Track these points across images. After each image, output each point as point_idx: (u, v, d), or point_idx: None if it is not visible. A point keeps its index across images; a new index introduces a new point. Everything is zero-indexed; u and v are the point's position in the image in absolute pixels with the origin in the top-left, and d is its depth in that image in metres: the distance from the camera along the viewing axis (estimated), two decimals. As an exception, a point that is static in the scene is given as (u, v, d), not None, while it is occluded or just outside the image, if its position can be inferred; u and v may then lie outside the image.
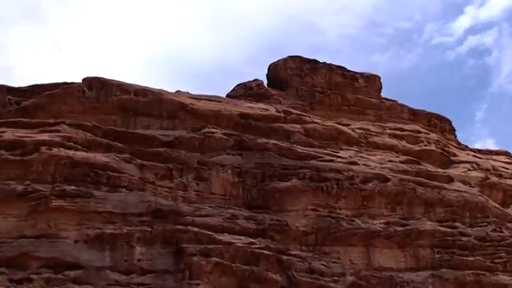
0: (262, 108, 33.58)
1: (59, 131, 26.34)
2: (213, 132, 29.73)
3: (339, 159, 31.49)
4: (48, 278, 22.13)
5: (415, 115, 40.15)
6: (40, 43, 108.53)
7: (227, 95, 37.94)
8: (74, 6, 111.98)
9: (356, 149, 33.70)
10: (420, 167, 33.76)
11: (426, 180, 32.11)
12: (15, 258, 22.37)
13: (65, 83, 29.94)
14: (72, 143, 25.92)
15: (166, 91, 32.12)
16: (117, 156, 26.21)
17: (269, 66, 39.97)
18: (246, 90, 37.88)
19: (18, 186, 23.75)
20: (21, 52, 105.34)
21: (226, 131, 30.32)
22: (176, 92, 33.73)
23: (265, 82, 39.26)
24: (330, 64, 39.28)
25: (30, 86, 30.28)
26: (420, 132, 38.19)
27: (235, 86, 39.15)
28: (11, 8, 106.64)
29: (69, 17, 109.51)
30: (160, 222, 24.90)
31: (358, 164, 31.50)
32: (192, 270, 23.66)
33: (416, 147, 36.47)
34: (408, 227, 29.36)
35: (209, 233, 25.28)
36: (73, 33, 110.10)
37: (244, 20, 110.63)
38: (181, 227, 24.92)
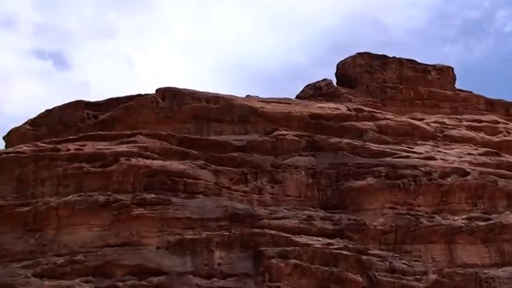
0: (333, 108, 33.35)
1: (136, 141, 27.14)
2: (284, 135, 29.78)
3: (415, 155, 30.82)
4: (133, 284, 22.80)
5: (492, 105, 38.69)
6: (113, 58, 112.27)
7: (296, 97, 37.89)
8: (144, 20, 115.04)
9: (432, 144, 32.88)
10: (501, 158, 32.56)
11: (508, 172, 30.95)
12: (100, 266, 23.20)
13: (139, 95, 30.84)
14: (149, 153, 26.64)
15: (236, 96, 32.48)
16: (192, 163, 26.72)
17: (337, 64, 39.63)
18: (315, 91, 37.69)
19: (101, 196, 24.63)
20: (96, 68, 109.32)
21: (298, 133, 30.29)
22: (246, 96, 34.02)
23: (334, 81, 38.93)
24: (399, 58, 38.48)
25: (106, 100, 31.36)
26: (498, 122, 36.78)
27: (304, 87, 39.04)
28: (83, 25, 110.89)
29: (140, 32, 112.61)
30: (237, 226, 25.19)
31: (436, 159, 30.74)
32: (272, 273, 23.78)
33: (495, 139, 35.16)
34: (491, 222, 28.38)
35: (286, 235, 25.33)
36: (144, 47, 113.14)
37: (309, 21, 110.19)
38: (258, 230, 25.10)
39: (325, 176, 28.28)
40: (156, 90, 31.05)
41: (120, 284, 22.68)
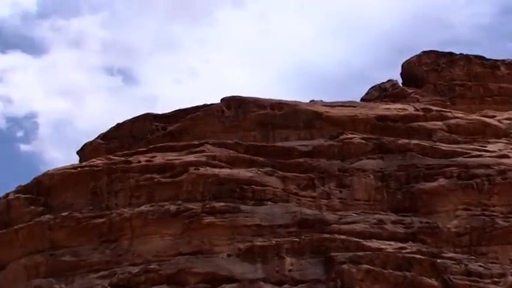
0: (400, 108, 32.74)
1: (203, 151, 27.60)
2: (351, 138, 29.48)
3: (488, 154, 29.78)
4: (206, 292, 23.15)
5: None
6: (178, 71, 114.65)
7: (361, 99, 37.51)
8: (206, 31, 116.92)
9: (505, 141, 31.67)
10: None
11: None
12: (174, 275, 23.69)
13: (205, 105, 31.37)
14: (217, 162, 27.02)
15: (300, 102, 32.46)
16: (259, 171, 26.89)
17: (402, 64, 38.95)
18: (380, 92, 37.19)
19: (172, 206, 25.17)
20: (162, 81, 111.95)
21: (365, 136, 29.92)
22: (310, 101, 33.95)
23: (400, 81, 38.27)
24: (467, 55, 37.39)
25: (173, 112, 32.07)
26: None
27: (369, 89, 38.59)
28: (148, 39, 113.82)
29: (202, 43, 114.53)
30: (307, 232, 25.11)
31: (509, 157, 29.57)
32: (344, 279, 23.56)
33: None
34: None
35: (357, 239, 25.06)
36: (207, 58, 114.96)
37: (370, 24, 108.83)
38: (328, 235, 24.95)
39: (394, 178, 27.80)
40: (221, 100, 31.49)
41: (194, 292, 23.08)
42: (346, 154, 28.79)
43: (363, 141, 29.33)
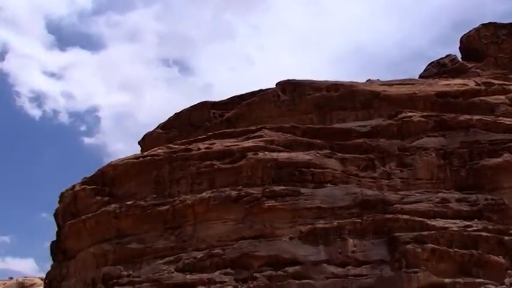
0: (460, 84, 31.88)
1: (261, 136, 27.69)
2: (410, 116, 28.92)
3: (554, 126, 28.71)
4: (270, 275, 23.33)
5: None
6: (233, 59, 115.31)
7: (420, 76, 36.71)
8: (259, 18, 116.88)
9: None
10: None
11: None
12: (237, 259, 23.96)
13: (260, 91, 31.45)
14: (274, 146, 27.07)
15: (357, 82, 32.09)
16: (318, 153, 26.78)
17: (461, 38, 37.85)
18: (439, 68, 36.28)
19: (232, 191, 25.40)
20: (218, 70, 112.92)
21: (424, 113, 29.29)
22: (367, 81, 33.51)
23: (459, 56, 37.20)
24: (529, 25, 35.98)
25: (230, 98, 32.31)
26: None
27: (428, 65, 37.72)
28: (203, 29, 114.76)
29: (256, 30, 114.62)
30: (368, 213, 24.90)
31: None
32: (408, 259, 23.27)
33: None
34: None
35: (420, 219, 24.68)
36: (261, 44, 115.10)
37: (425, 0, 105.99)
38: (390, 216, 24.66)
39: (457, 155, 27.17)
40: (277, 84, 31.47)
41: (258, 275, 23.30)
42: (406, 133, 28.30)
43: (423, 119, 28.74)
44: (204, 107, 32.20)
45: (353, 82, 31.99)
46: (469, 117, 28.92)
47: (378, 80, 33.85)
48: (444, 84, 31.85)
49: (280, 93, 30.90)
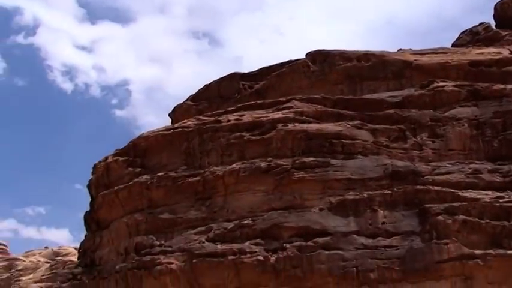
0: (494, 53, 31.12)
1: (291, 107, 27.61)
2: (443, 86, 28.42)
3: None
4: (300, 245, 23.52)
5: None
6: (263, 30, 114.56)
7: (453, 45, 35.89)
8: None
9: None
10: None
11: None
12: (268, 229, 24.18)
13: (290, 61, 31.22)
14: (304, 117, 26.98)
15: (388, 52, 31.55)
16: (348, 124, 26.62)
17: (495, 5, 36.78)
18: (472, 37, 35.39)
19: (262, 163, 25.49)
20: (247, 42, 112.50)
21: (457, 83, 28.74)
22: (398, 51, 32.95)
23: (493, 24, 36.24)
24: None
25: (259, 70, 32.19)
26: None
27: (460, 34, 36.81)
28: (230, 1, 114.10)
29: (286, 0, 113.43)
30: (399, 184, 24.78)
31: None
32: (439, 230, 23.19)
33: None
34: None
35: (452, 190, 24.48)
36: (291, 15, 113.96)
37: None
38: (421, 187, 24.52)
39: (490, 126, 26.72)
40: (306, 55, 31.18)
41: (288, 246, 23.51)
42: (439, 103, 27.85)
43: (456, 88, 28.23)
44: (233, 79, 32.18)
45: (384, 52, 31.49)
46: (502, 86, 28.30)
47: (410, 49, 33.25)
48: (477, 53, 31.15)
49: (310, 63, 30.63)
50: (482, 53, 31.09)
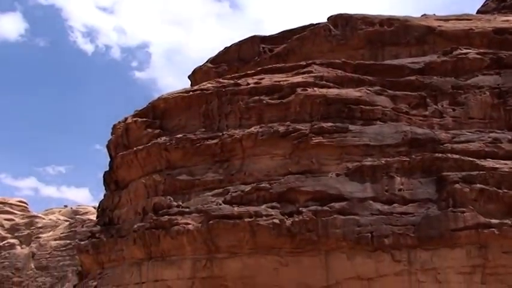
0: (520, 20, 30.50)
1: (311, 71, 27.40)
2: (466, 53, 27.98)
3: None
4: (316, 210, 23.62)
5: None
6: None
7: (477, 11, 35.27)
8: None
9: None
10: None
11: None
12: (284, 193, 24.29)
13: (311, 25, 30.92)
14: (324, 82, 26.77)
15: (411, 17, 31.09)
16: (368, 90, 26.40)
17: (524, -28, 35.89)
18: (498, 3, 34.69)
19: (280, 127, 25.47)
20: (268, 5, 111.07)
21: (481, 50, 28.26)
22: (422, 16, 32.43)
23: (522, -10, 35.40)
24: None
25: (280, 33, 31.94)
26: None
27: (486, 0, 36.12)
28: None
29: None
30: (417, 151, 24.67)
31: None
32: (456, 198, 23.14)
33: None
34: None
35: (470, 159, 24.33)
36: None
37: None
38: (440, 155, 24.39)
39: (512, 95, 26.34)
40: (328, 18, 30.85)
41: (304, 210, 23.64)
42: (461, 70, 27.47)
43: (479, 56, 27.78)
44: (253, 42, 31.98)
45: (408, 17, 31.03)
46: (528, 55, 27.80)
47: (434, 14, 32.70)
48: (503, 21, 30.54)
49: (331, 27, 30.31)
50: (507, 21, 30.49)
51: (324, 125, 25.13)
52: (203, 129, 26.87)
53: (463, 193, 23.11)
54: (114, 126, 30.75)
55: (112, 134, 30.95)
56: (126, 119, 30.00)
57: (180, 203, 25.61)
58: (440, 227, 22.78)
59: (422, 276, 22.89)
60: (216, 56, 33.12)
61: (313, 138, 24.77)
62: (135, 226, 26.10)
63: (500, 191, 23.31)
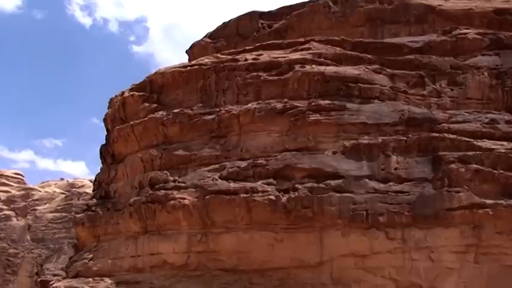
0: (521, 1, 30.30)
1: (309, 48, 27.27)
2: (465, 33, 27.85)
3: None
4: (311, 187, 23.70)
5: None
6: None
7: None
8: None
9: None
10: None
11: None
12: (280, 170, 24.35)
13: (311, 1, 30.70)
14: (322, 59, 26.66)
15: (412, -5, 30.82)
16: (367, 68, 26.32)
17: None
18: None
19: (278, 104, 25.43)
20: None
21: (480, 31, 28.12)
22: (422, -6, 32.14)
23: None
24: None
25: (279, 9, 31.72)
26: None
27: (487, -20, 35.80)
28: None
29: None
30: (414, 130, 24.70)
31: None
32: (451, 178, 23.24)
33: None
34: None
35: (467, 139, 24.37)
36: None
37: None
38: (437, 134, 24.43)
39: (510, 76, 26.29)
40: (328, -5, 30.54)
41: (300, 186, 23.71)
42: (460, 50, 27.38)
43: (478, 36, 27.66)
44: (252, 17, 31.74)
45: (408, -5, 30.75)
46: (527, 36, 27.69)
47: (434, -7, 32.41)
48: (503, 1, 30.30)
49: (331, 4, 30.07)
50: (507, 1, 30.28)
51: (322, 102, 25.10)
52: (200, 105, 26.80)
53: (459, 173, 23.20)
54: (111, 100, 30.64)
55: (109, 107, 30.86)
56: (123, 92, 29.88)
57: (177, 178, 25.65)
58: (435, 206, 22.92)
59: (415, 254, 23.09)
60: (214, 31, 32.89)
61: (311, 116, 24.75)
62: (131, 200, 26.17)
63: (495, 171, 23.39)
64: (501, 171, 23.46)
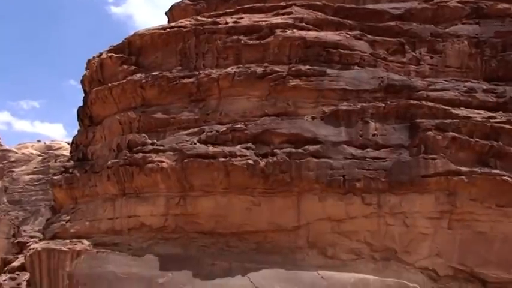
0: (503, -30, 30.28)
1: (291, 12, 27.08)
2: (446, 1, 27.86)
3: None
4: (290, 152, 23.81)
5: None
6: None
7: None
8: None
9: None
10: None
11: None
12: (259, 134, 24.39)
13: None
14: (304, 24, 26.51)
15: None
16: (347, 34, 26.24)
17: None
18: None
19: (258, 68, 25.32)
20: None
21: (461, -1, 28.19)
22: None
23: None
24: None
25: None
26: None
27: None
28: None
29: None
30: (393, 97, 24.83)
31: None
32: (428, 145, 23.49)
33: None
34: None
35: (445, 107, 24.61)
36: None
37: None
38: (415, 102, 24.60)
39: (490, 45, 26.47)
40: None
41: (278, 151, 23.81)
42: (441, 18, 27.44)
43: (460, 4, 27.71)
44: (233, -20, 31.23)
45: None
46: (507, 6, 27.72)
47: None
48: (486, -31, 30.29)
49: (313, -32, 29.68)
50: (490, -31, 30.22)
51: (302, 67, 25.05)
52: (180, 68, 26.58)
53: (435, 140, 23.46)
54: (89, 61, 30.20)
55: (86, 69, 30.44)
56: (100, 54, 29.46)
57: (155, 141, 25.56)
58: (411, 172, 23.21)
59: (390, 219, 23.47)
60: (195, -8, 32.35)
61: (291, 81, 24.72)
62: (109, 162, 26.06)
63: (472, 140, 23.70)
64: (477, 140, 23.77)
